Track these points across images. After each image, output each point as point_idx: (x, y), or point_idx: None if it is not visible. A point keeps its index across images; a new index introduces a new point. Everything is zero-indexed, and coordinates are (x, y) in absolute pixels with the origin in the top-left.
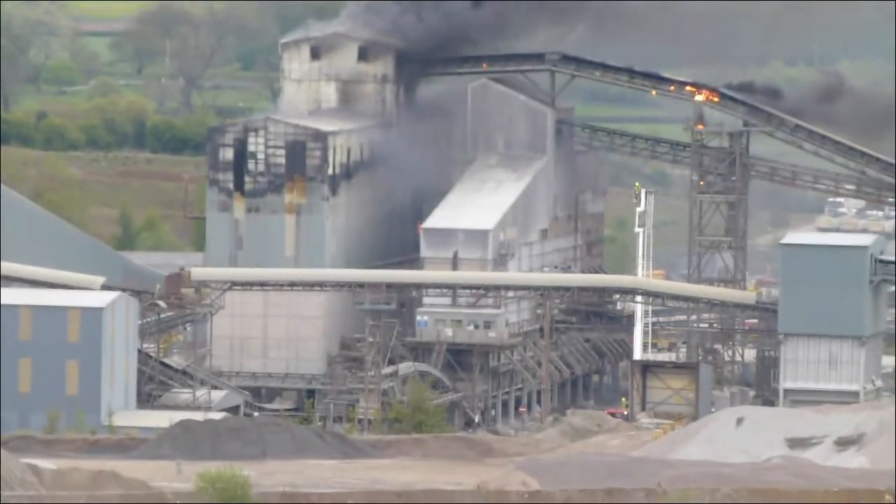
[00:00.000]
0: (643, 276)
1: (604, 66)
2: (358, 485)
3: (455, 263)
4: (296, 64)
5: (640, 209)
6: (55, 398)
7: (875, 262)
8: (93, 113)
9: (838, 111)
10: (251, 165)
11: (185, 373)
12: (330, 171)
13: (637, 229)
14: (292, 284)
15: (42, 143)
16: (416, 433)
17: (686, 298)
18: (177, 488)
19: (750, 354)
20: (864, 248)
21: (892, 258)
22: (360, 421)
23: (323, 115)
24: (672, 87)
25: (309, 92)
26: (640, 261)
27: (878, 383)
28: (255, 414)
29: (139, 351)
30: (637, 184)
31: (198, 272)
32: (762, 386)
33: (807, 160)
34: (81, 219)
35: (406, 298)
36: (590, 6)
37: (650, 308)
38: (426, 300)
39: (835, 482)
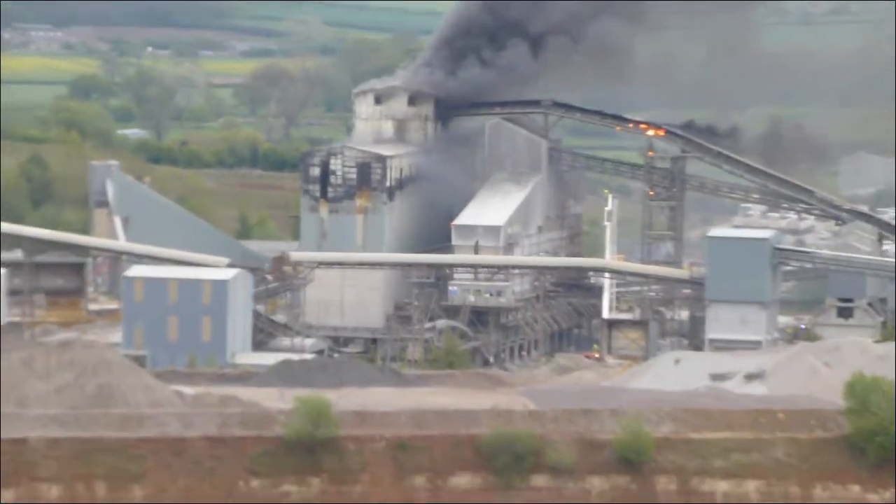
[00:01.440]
0: (610, 258)
1: (582, 110)
2: (408, 406)
3: (477, 250)
4: (364, 108)
5: (607, 209)
6: (194, 344)
7: (773, 249)
8: (220, 142)
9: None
10: (332, 179)
11: (285, 326)
12: (388, 184)
13: (605, 223)
14: (361, 264)
15: (184, 163)
16: (449, 370)
17: (640, 275)
18: (280, 407)
19: (684, 314)
20: (767, 239)
21: (787, 247)
22: (408, 361)
23: (383, 143)
24: (631, 125)
25: (373, 127)
26: (607, 247)
27: (776, 335)
28: (335, 355)
29: (253, 311)
30: (606, 190)
31: (295, 255)
32: (693, 336)
33: (725, 177)
34: (213, 218)
35: (442, 274)
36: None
37: (614, 281)
38: (456, 276)
39: (743, 404)
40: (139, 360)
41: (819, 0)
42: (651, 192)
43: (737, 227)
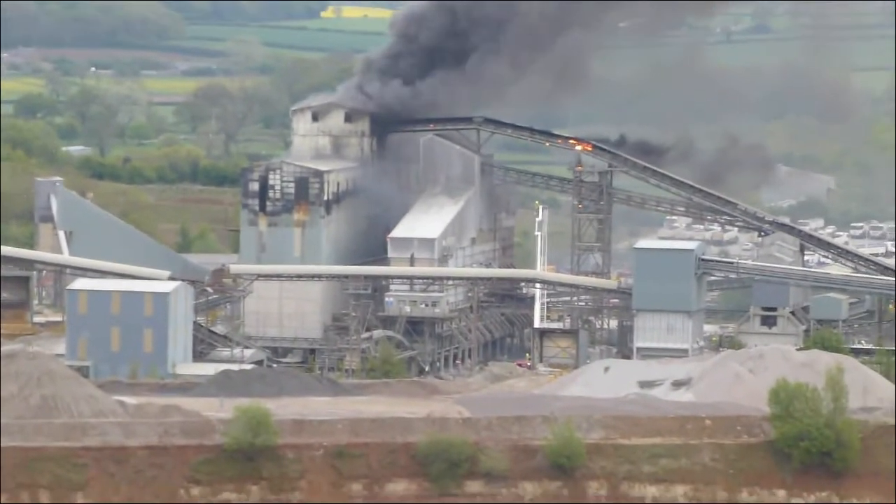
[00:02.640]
0: (541, 269)
1: (513, 126)
2: (345, 414)
3: (412, 261)
4: (301, 124)
5: (538, 219)
6: (136, 355)
7: (698, 260)
8: (162, 158)
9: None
10: (271, 194)
11: (225, 337)
12: (325, 198)
13: (536, 233)
14: (299, 276)
15: (127, 179)
16: (385, 379)
17: (570, 285)
18: (220, 417)
19: (613, 323)
20: (691, 250)
21: (711, 258)
22: (346, 370)
23: (320, 159)
24: (559, 141)
25: (311, 143)
26: (538, 258)
27: (701, 343)
28: (274, 365)
29: (194, 322)
30: (537, 202)
31: (234, 268)
32: (622, 345)
33: (651, 190)
34: (155, 232)
35: (378, 285)
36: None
37: (545, 292)
38: (392, 286)
39: (671, 411)
40: (82, 371)
41: (742, 15)
42: (580, 206)
43: (662, 238)
